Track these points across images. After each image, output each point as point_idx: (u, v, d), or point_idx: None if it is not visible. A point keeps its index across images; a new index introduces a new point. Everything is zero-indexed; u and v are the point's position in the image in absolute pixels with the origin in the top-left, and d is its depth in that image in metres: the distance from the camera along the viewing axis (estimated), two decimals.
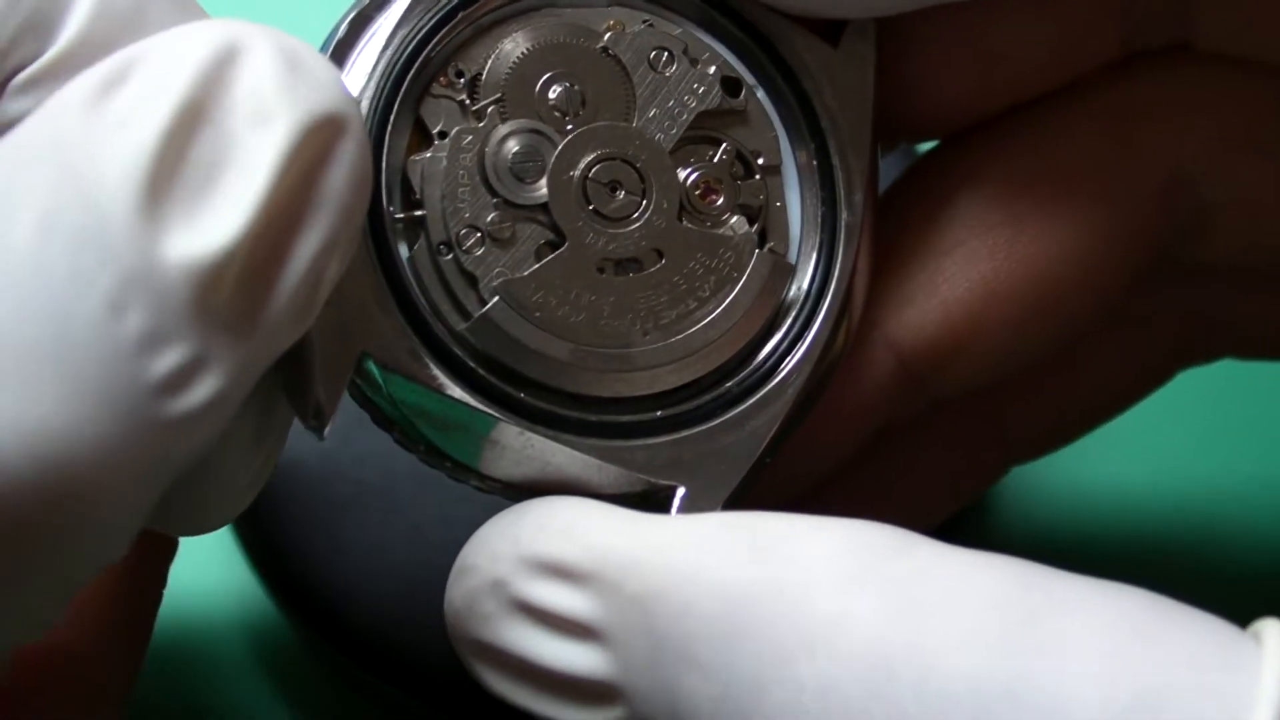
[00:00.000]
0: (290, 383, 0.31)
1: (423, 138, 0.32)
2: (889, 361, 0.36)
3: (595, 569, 0.30)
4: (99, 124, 0.27)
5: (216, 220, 0.27)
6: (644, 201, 0.33)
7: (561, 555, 0.30)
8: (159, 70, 0.27)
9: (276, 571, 0.44)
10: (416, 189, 0.32)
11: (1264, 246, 0.37)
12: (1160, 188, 0.36)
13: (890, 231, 0.36)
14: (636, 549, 0.30)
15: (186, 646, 0.45)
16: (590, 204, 0.33)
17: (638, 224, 0.33)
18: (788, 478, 0.35)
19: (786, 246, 0.34)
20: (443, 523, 0.41)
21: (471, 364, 0.32)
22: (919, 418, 0.38)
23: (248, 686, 0.45)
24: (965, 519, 0.47)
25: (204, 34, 0.28)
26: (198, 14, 0.31)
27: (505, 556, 0.31)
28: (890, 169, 0.36)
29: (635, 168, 0.33)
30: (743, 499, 0.33)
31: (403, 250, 0.32)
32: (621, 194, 0.33)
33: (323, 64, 0.28)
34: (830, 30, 0.34)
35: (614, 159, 0.33)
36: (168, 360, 0.27)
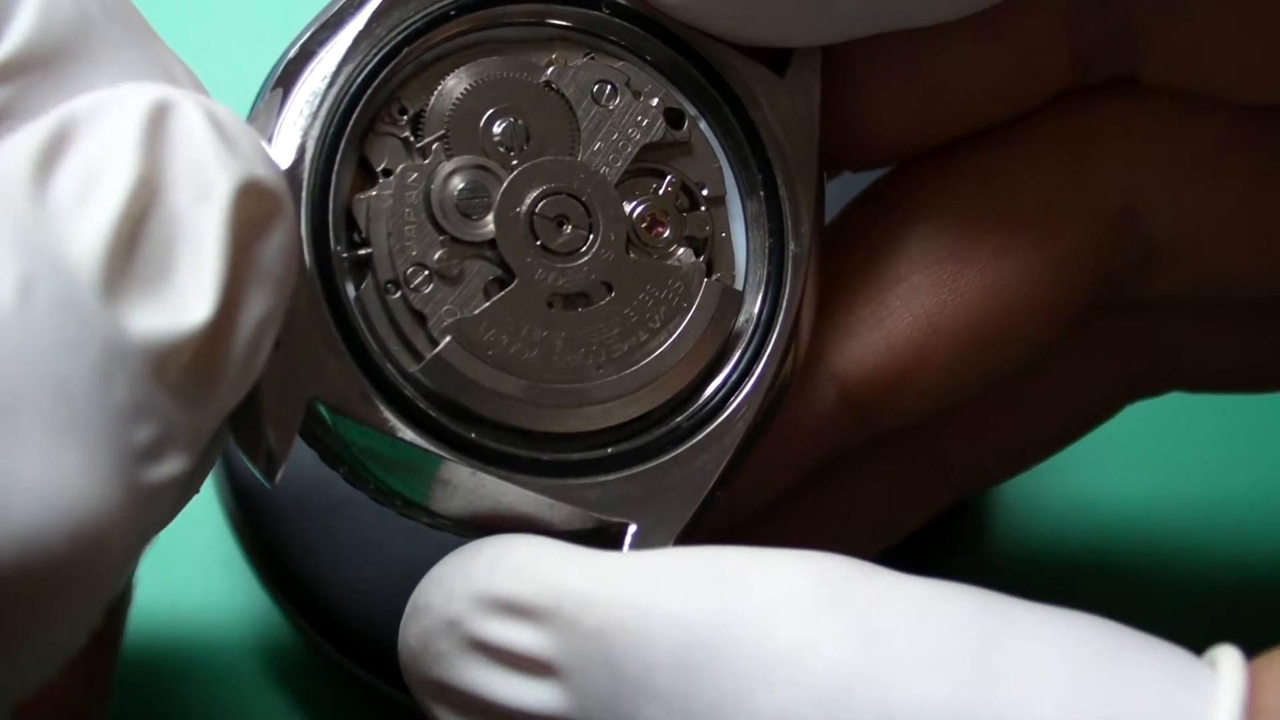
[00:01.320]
0: (240, 430, 0.31)
1: (367, 176, 0.32)
2: (831, 393, 0.36)
3: (552, 605, 0.30)
4: (52, 202, 0.27)
5: (177, 303, 0.27)
6: (591, 235, 0.33)
7: (517, 593, 0.30)
8: (101, 141, 0.28)
9: (276, 571, 0.44)
10: (362, 228, 0.32)
11: (1210, 280, 0.38)
12: (1108, 223, 0.36)
13: (836, 263, 0.36)
14: (593, 584, 0.29)
15: (186, 647, 0.45)
16: (538, 239, 0.32)
17: (586, 258, 0.33)
18: (728, 505, 0.35)
19: (734, 277, 0.34)
20: None
21: (423, 405, 0.31)
22: (862, 448, 0.38)
23: (248, 686, 0.45)
24: (961, 528, 0.47)
25: (137, 99, 0.28)
26: (143, 30, 0.31)
27: (459, 595, 0.31)
28: (836, 196, 0.36)
29: (581, 202, 0.33)
30: (693, 532, 0.33)
31: (350, 290, 0.32)
32: (569, 228, 0.33)
33: (244, 128, 0.29)
34: (776, 59, 0.34)
35: (560, 193, 0.33)
36: (146, 431, 0.27)
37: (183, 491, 0.30)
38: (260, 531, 0.43)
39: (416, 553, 0.39)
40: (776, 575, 0.29)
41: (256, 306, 0.28)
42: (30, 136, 0.28)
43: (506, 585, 0.30)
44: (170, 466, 0.27)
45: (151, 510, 0.27)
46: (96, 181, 0.27)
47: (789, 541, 0.30)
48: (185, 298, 0.27)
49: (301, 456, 0.42)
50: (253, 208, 0.28)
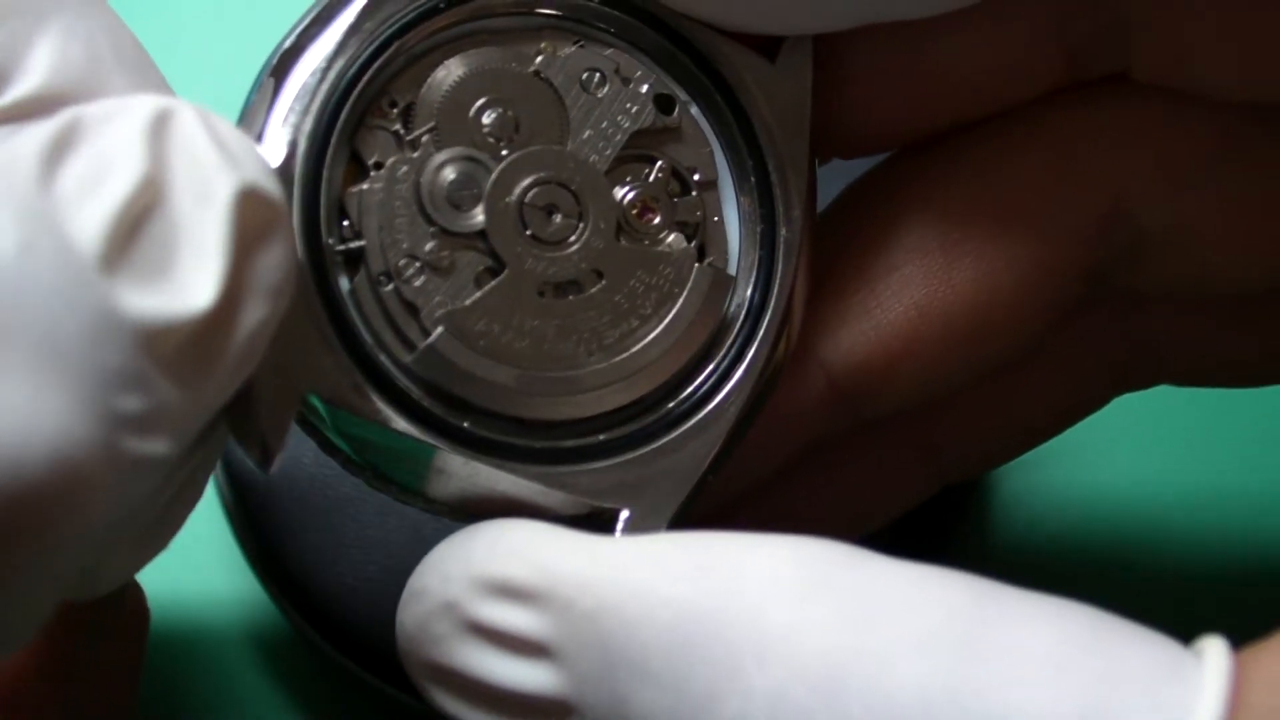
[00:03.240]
0: (235, 421, 0.31)
1: (359, 169, 0.32)
2: (820, 381, 0.36)
3: (547, 588, 0.30)
4: (58, 189, 0.28)
5: (175, 291, 0.28)
6: (581, 224, 0.33)
7: (513, 575, 0.30)
8: (107, 140, 0.28)
9: (276, 571, 0.44)
10: (354, 221, 0.32)
11: (1199, 276, 0.38)
12: (1098, 217, 0.36)
13: (827, 251, 0.36)
14: (588, 567, 0.30)
15: (186, 646, 0.45)
16: (528, 229, 0.33)
17: (576, 246, 0.33)
18: (717, 488, 0.35)
19: (725, 261, 0.34)
20: (442, 522, 0.42)
21: (416, 396, 0.32)
22: (849, 433, 0.38)
23: (248, 686, 0.45)
24: (951, 518, 0.48)
25: (142, 105, 0.29)
26: (152, 75, 0.31)
27: (457, 578, 0.31)
28: (828, 185, 0.37)
29: (571, 190, 0.33)
30: (686, 517, 0.33)
31: (343, 283, 0.32)
32: (558, 217, 0.33)
33: (244, 140, 0.30)
34: (767, 46, 0.34)
35: (549, 183, 0.33)
36: (132, 402, 0.27)
37: (170, 478, 0.30)
38: (260, 530, 0.44)
39: (417, 551, 0.39)
40: (767, 559, 0.29)
41: (254, 309, 0.29)
42: (38, 132, 0.28)
43: (503, 568, 0.30)
44: (154, 445, 0.28)
45: (132, 481, 0.28)
46: (102, 176, 0.28)
47: (775, 525, 0.31)
48: (184, 287, 0.28)
49: (300, 453, 0.42)
50: (253, 214, 0.29)
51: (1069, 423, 0.41)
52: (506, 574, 0.30)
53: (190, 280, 0.28)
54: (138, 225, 0.28)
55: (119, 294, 0.27)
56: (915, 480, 0.41)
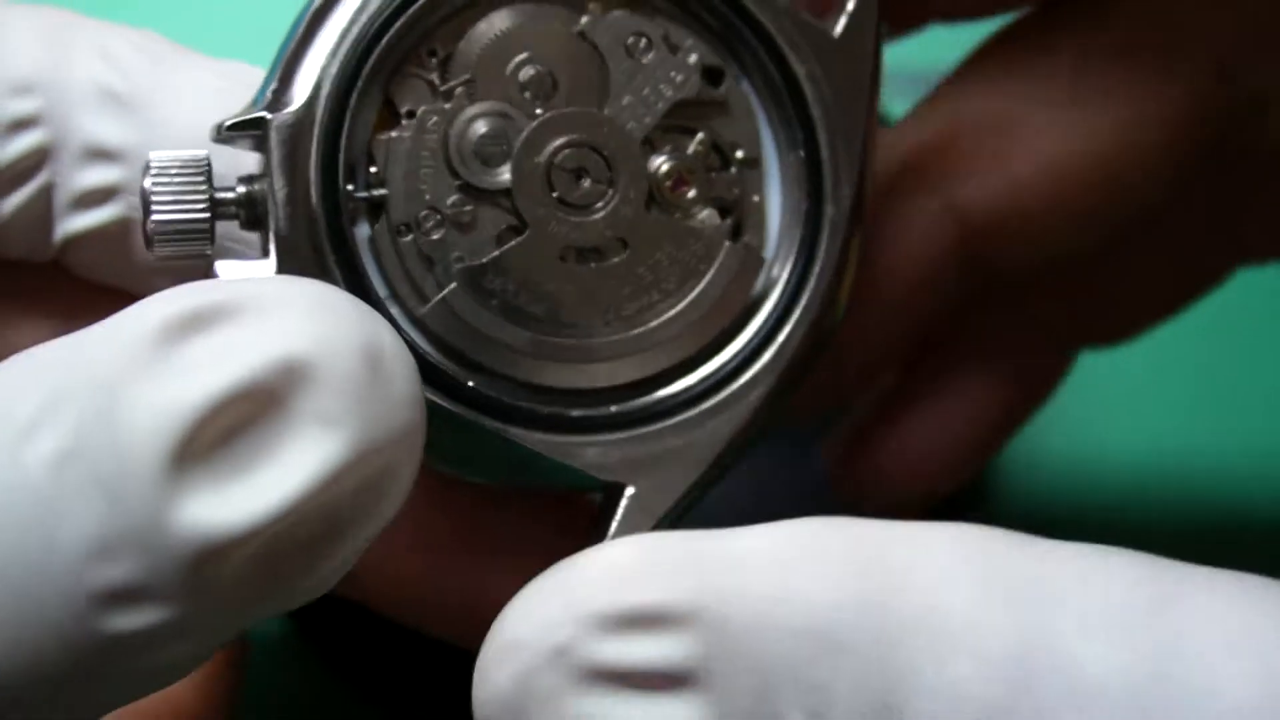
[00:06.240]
0: None
1: (392, 117, 0.32)
2: (952, 230, 0.36)
3: (691, 604, 0.27)
4: (162, 369, 0.27)
5: (249, 498, 0.26)
6: (610, 190, 0.32)
7: (645, 599, 0.28)
8: (246, 341, 0.27)
9: None
10: (381, 169, 0.31)
11: None
12: (1207, 75, 0.36)
13: (960, 105, 0.36)
14: (735, 575, 0.28)
15: None
16: (554, 191, 0.32)
17: (602, 213, 0.32)
18: (834, 370, 0.33)
19: (763, 242, 0.33)
20: None
21: (423, 350, 0.31)
22: (979, 315, 0.37)
23: (247, 686, 0.45)
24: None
25: (302, 317, 0.27)
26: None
27: (562, 621, 0.28)
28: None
29: (603, 155, 0.32)
30: (697, 502, 0.32)
31: (364, 230, 0.31)
32: (587, 181, 0.32)
33: (404, 372, 0.28)
34: (829, 13, 0.33)
35: (581, 145, 0.32)
36: (137, 618, 0.26)
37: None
38: None
39: None
40: (932, 548, 0.28)
41: (346, 544, 0.28)
42: (181, 300, 0.27)
43: (627, 594, 0.28)
44: (166, 654, 0.27)
45: (123, 686, 0.28)
46: (214, 366, 0.27)
47: (912, 426, 0.29)
48: (254, 496, 0.27)
49: None
50: (380, 457, 0.27)
51: (1195, 294, 0.41)
52: (635, 600, 0.28)
53: (270, 489, 0.27)
54: (234, 419, 0.27)
55: (177, 497, 0.26)
56: (1045, 367, 0.41)
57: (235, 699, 0.38)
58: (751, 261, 0.32)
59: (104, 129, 0.34)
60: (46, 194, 0.34)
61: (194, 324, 0.27)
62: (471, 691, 0.29)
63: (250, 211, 0.31)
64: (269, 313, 0.27)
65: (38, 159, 0.34)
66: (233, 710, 0.38)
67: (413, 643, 0.44)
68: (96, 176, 0.34)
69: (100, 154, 0.34)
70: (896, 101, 0.55)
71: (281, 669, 0.46)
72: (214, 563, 0.26)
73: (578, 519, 0.35)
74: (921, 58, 0.56)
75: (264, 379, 0.27)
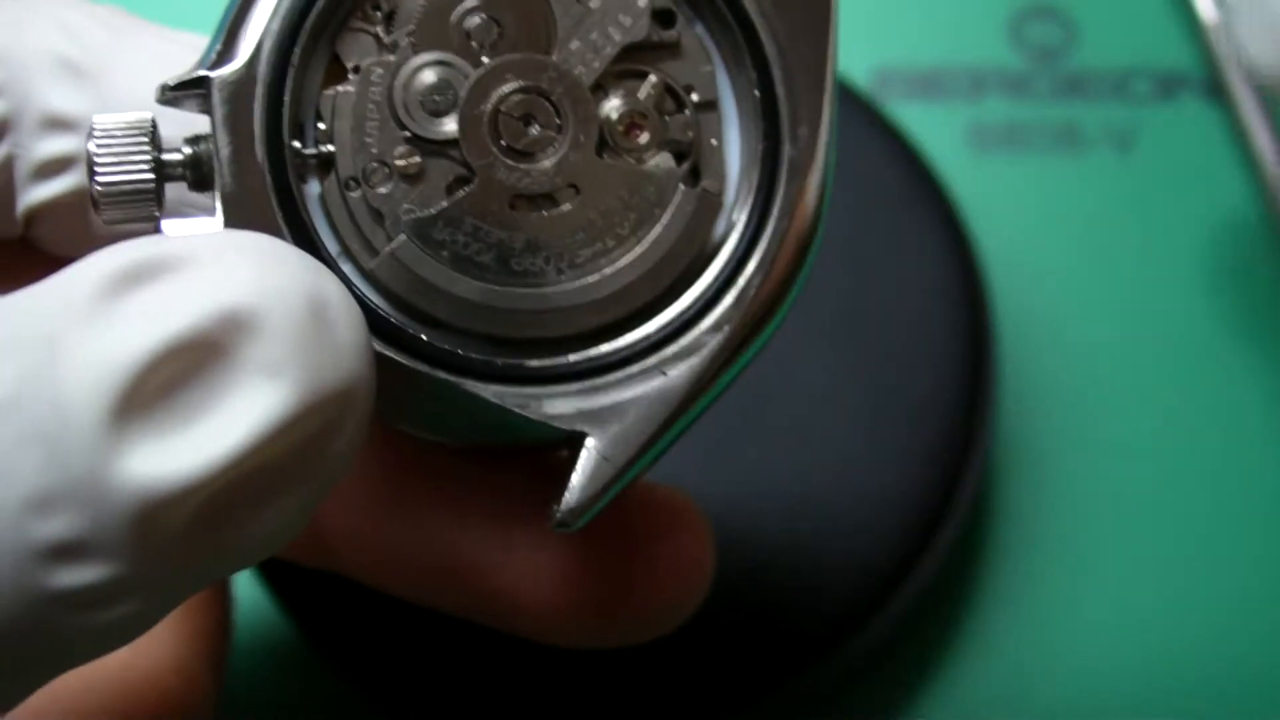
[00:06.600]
0: None
1: (341, 73, 0.32)
2: None
3: None
4: (102, 321, 0.26)
5: (192, 449, 0.26)
6: (559, 136, 0.32)
7: None
8: (187, 292, 0.27)
9: (277, 570, 0.44)
10: (328, 124, 0.31)
11: None
12: None
13: None
14: None
15: None
16: (501, 139, 0.31)
17: (552, 159, 0.31)
18: None
19: (721, 185, 0.32)
20: None
21: (374, 304, 0.31)
22: None
23: (245, 683, 0.45)
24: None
25: (244, 267, 0.27)
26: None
27: None
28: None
29: (551, 101, 0.32)
30: (664, 451, 0.31)
31: (314, 187, 0.31)
32: (535, 129, 0.31)
33: (349, 321, 0.28)
34: None
35: (529, 92, 0.32)
36: (80, 574, 0.26)
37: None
38: None
39: None
40: None
41: (296, 496, 0.27)
42: (119, 256, 0.27)
43: None
44: (114, 613, 0.27)
45: (72, 649, 0.27)
46: (156, 317, 0.26)
47: None
48: (200, 446, 0.26)
49: None
50: (326, 409, 0.27)
51: None
52: None
53: (216, 438, 0.26)
54: (178, 368, 0.26)
55: (119, 450, 0.26)
56: None
57: (220, 678, 0.38)
58: (708, 205, 0.32)
59: (61, 98, 0.34)
60: (8, 167, 0.34)
61: (136, 277, 0.27)
62: None
63: (197, 172, 0.31)
64: (211, 264, 0.27)
65: None
66: (218, 688, 0.38)
67: (406, 629, 0.44)
68: (54, 146, 0.34)
69: (58, 123, 0.34)
70: (897, 101, 0.55)
71: (272, 660, 0.46)
72: (158, 517, 0.26)
73: (545, 475, 0.35)
74: (922, 58, 0.56)
75: (206, 329, 0.26)
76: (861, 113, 0.52)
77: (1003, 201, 0.54)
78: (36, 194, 0.34)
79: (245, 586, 0.45)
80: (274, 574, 0.45)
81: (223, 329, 0.26)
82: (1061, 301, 0.53)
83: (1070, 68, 0.56)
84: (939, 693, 0.49)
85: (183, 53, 0.34)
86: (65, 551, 0.26)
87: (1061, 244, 0.54)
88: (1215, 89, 0.56)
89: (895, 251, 0.51)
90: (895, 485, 0.48)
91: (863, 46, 0.56)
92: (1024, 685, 0.49)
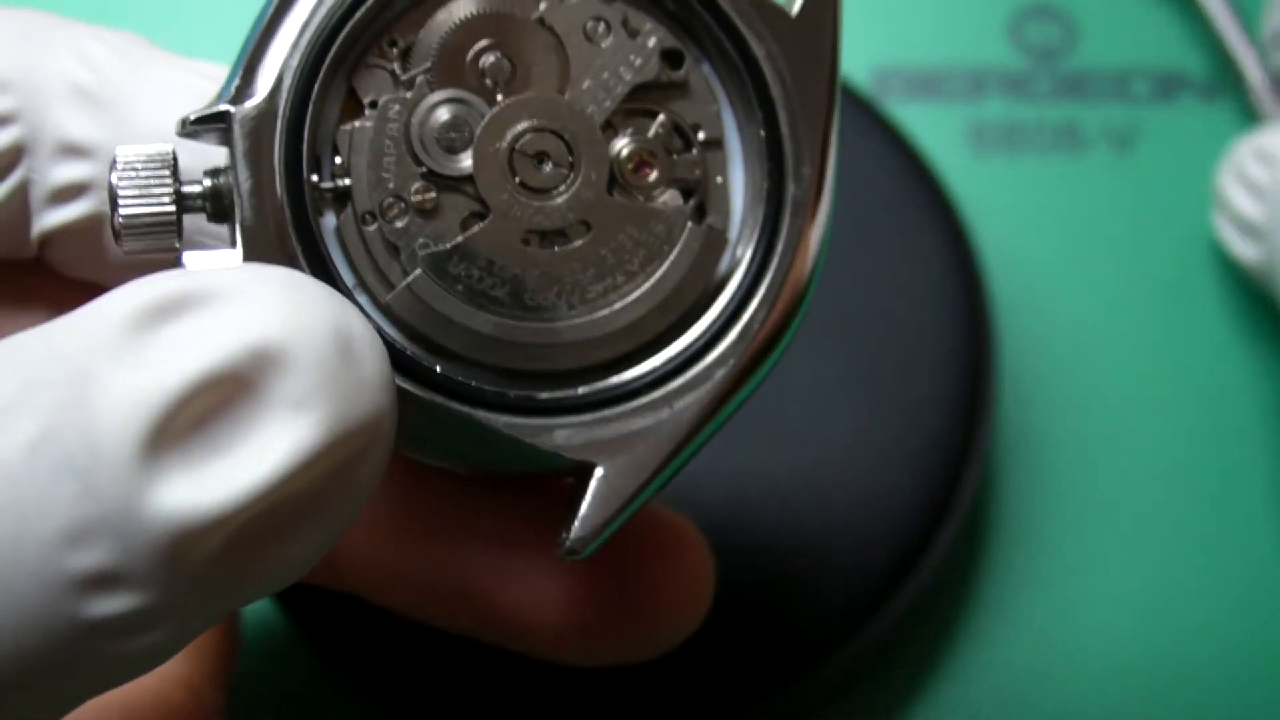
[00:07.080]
0: None
1: (357, 109, 0.32)
2: None
3: None
4: (134, 356, 0.27)
5: (222, 482, 0.27)
6: (572, 174, 0.32)
7: None
8: (216, 328, 0.27)
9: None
10: (345, 158, 0.32)
11: None
12: None
13: None
14: None
15: None
16: (516, 175, 0.32)
17: (564, 196, 0.32)
18: None
19: (726, 222, 0.33)
20: None
21: (390, 337, 0.31)
22: None
23: (248, 685, 0.45)
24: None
25: (271, 303, 0.28)
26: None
27: None
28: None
29: (564, 139, 0.32)
30: (669, 480, 0.32)
31: (330, 220, 0.32)
32: (549, 166, 0.32)
33: (374, 355, 0.28)
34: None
35: (542, 130, 0.32)
36: (113, 604, 0.27)
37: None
38: None
39: None
40: None
41: (322, 525, 0.28)
42: (150, 289, 0.28)
43: None
44: (145, 640, 0.27)
45: (102, 674, 0.28)
46: (185, 352, 0.27)
47: None
48: (230, 477, 0.27)
49: None
50: (353, 441, 0.28)
51: None
52: None
53: (246, 469, 0.27)
54: (207, 404, 0.27)
55: (150, 482, 0.26)
56: None
57: (227, 694, 0.38)
58: (714, 242, 0.33)
59: (77, 125, 0.34)
60: (23, 191, 0.35)
61: (165, 311, 0.27)
62: None
63: (216, 204, 0.32)
64: (238, 299, 0.28)
65: (13, 156, 0.34)
66: (225, 705, 0.38)
67: (410, 634, 0.44)
68: (70, 172, 0.34)
69: (73, 150, 0.34)
70: (896, 101, 0.55)
71: (277, 665, 0.46)
72: (188, 548, 0.27)
73: (550, 500, 0.35)
74: (921, 58, 0.56)
75: (235, 364, 0.27)
76: (861, 113, 0.52)
77: (1002, 201, 0.55)
78: (51, 218, 0.35)
79: None
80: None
81: (252, 364, 0.27)
82: (1061, 301, 0.54)
83: (1070, 68, 0.57)
84: (939, 693, 0.49)
85: (199, 82, 0.35)
86: (99, 582, 0.27)
87: (1061, 244, 0.54)
88: (1215, 89, 0.56)
89: (895, 251, 0.51)
90: (895, 485, 0.48)
91: (863, 46, 0.56)
92: (1023, 685, 0.49)
